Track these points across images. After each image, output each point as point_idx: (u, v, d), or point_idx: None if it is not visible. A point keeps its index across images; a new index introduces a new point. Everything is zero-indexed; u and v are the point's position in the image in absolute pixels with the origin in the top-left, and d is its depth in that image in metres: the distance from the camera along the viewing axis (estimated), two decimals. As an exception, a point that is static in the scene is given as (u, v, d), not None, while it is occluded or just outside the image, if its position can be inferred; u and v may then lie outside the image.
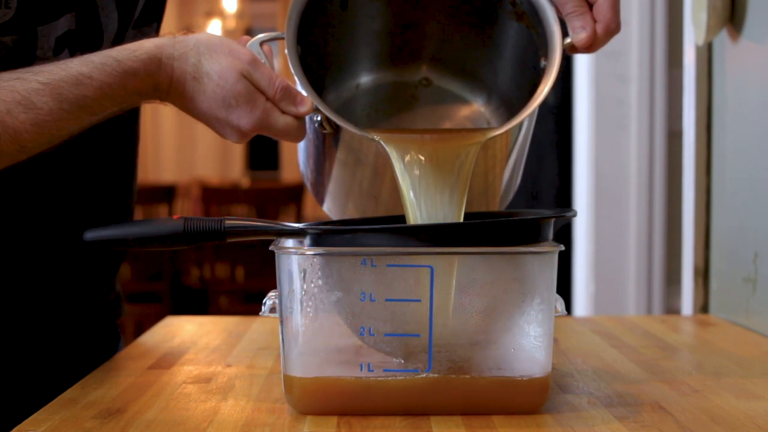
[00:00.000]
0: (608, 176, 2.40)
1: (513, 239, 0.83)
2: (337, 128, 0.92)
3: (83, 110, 0.87)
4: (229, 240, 0.86)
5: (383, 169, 0.92)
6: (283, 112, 0.90)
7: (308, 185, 1.07)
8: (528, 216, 0.91)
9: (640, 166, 2.38)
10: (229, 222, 0.86)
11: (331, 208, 1.04)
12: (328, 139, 0.95)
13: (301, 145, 1.02)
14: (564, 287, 2.54)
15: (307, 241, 0.84)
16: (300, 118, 0.91)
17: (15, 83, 0.85)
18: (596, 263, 2.41)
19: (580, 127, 2.50)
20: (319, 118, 0.92)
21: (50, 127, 0.86)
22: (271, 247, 0.85)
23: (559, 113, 2.63)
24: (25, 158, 0.88)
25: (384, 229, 0.84)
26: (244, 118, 0.89)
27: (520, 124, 0.93)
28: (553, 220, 0.86)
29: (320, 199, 1.05)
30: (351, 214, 1.02)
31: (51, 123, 0.86)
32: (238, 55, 0.89)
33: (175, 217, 0.86)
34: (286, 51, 0.92)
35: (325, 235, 0.84)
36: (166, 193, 5.29)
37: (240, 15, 6.82)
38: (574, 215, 0.90)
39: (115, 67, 0.87)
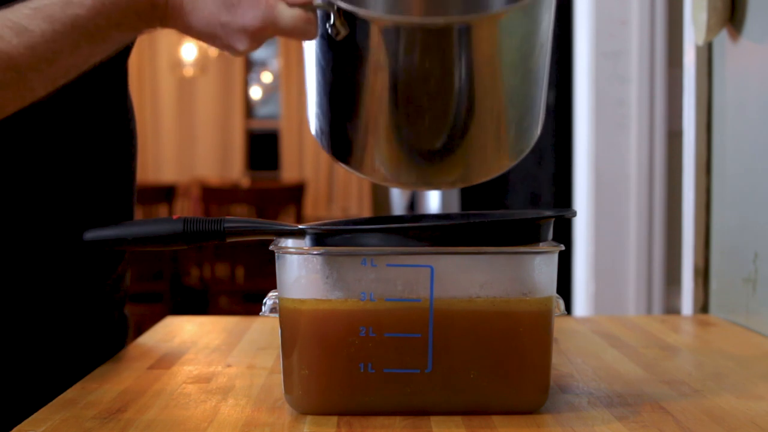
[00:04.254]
0: (608, 176, 2.40)
1: (513, 239, 0.83)
2: (352, 25, 0.83)
3: (77, 30, 0.85)
4: (229, 240, 0.86)
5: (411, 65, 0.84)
6: (290, 4, 0.85)
7: (322, 139, 0.95)
8: (528, 216, 0.91)
9: (640, 166, 2.38)
10: (229, 222, 0.86)
11: (351, 157, 0.93)
12: (343, 52, 0.87)
13: (312, 90, 0.93)
14: (564, 287, 2.54)
15: (307, 241, 0.84)
16: (309, 11, 0.85)
17: (4, 12, 0.84)
18: (596, 263, 2.41)
19: (580, 127, 2.50)
20: (332, 21, 0.84)
21: (44, 49, 0.84)
22: (271, 247, 0.85)
23: (559, 113, 2.63)
24: (30, 98, 0.86)
25: (384, 229, 0.84)
26: (248, 15, 0.85)
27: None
28: (553, 220, 0.86)
29: (336, 148, 0.94)
30: (381, 155, 0.91)
31: (44, 45, 0.84)
32: None
33: (174, 217, 0.86)
34: None
35: (325, 235, 0.84)
36: (166, 193, 5.30)
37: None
38: (574, 215, 0.90)
39: None
